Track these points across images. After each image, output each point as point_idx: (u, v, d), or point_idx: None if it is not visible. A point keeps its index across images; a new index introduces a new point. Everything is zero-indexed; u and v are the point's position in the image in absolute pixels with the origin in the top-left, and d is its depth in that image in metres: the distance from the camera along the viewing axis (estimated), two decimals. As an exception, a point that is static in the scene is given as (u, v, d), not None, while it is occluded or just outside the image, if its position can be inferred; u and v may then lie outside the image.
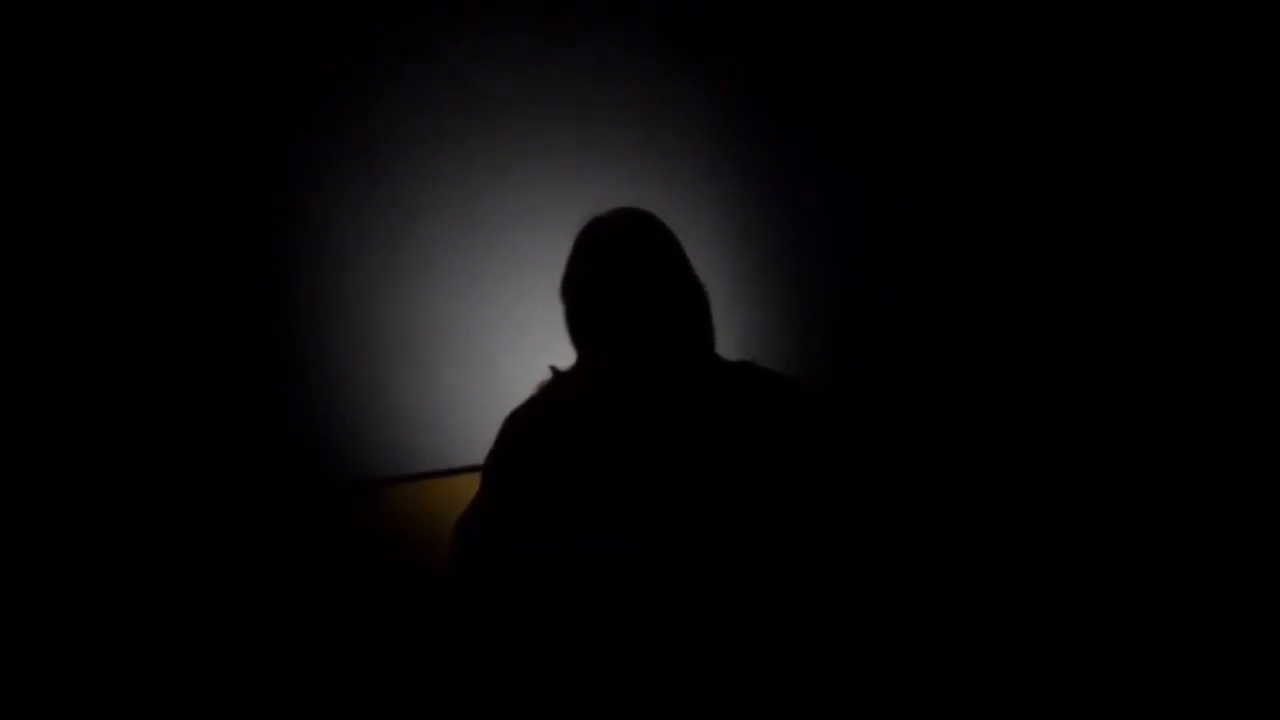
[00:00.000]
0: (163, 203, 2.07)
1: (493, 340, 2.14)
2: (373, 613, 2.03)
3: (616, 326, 1.56)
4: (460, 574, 1.57)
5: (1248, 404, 2.21)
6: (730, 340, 1.67)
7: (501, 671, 1.56)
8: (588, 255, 1.60)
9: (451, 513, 1.61)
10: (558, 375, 1.61)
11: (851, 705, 1.60)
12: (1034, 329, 2.29)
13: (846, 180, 2.28)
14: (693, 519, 1.50)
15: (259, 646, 2.02)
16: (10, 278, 2.01)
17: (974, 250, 2.30)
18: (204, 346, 2.07)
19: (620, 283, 1.56)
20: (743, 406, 1.56)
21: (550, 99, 2.17)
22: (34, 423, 2.01)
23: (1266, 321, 2.22)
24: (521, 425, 1.59)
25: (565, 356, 1.61)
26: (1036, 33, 2.28)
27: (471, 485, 1.62)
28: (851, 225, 2.29)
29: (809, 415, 1.60)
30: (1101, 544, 2.20)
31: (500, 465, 1.58)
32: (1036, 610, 2.16)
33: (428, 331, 2.13)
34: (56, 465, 2.01)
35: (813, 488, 1.57)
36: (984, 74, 2.29)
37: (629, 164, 2.17)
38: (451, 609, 1.56)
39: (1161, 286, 2.26)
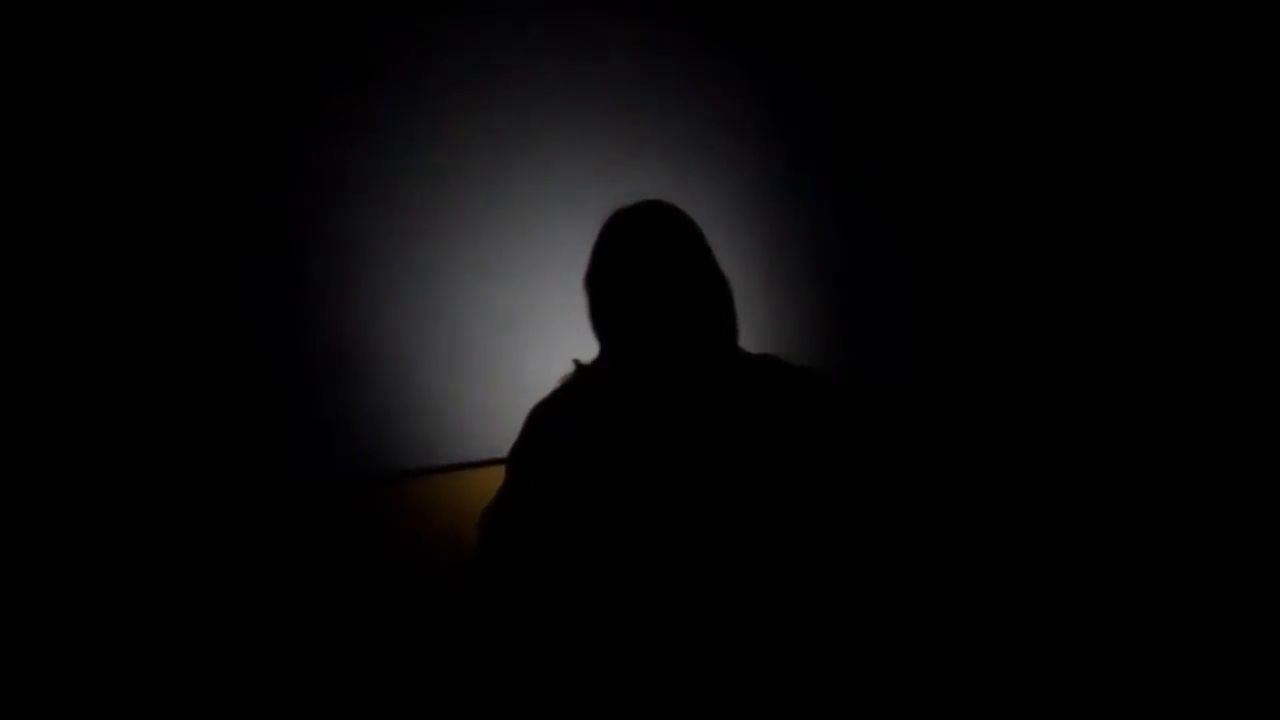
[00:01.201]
0: (183, 197, 2.07)
1: (516, 333, 2.14)
2: (397, 605, 2.02)
3: (640, 319, 1.56)
4: (486, 567, 1.57)
5: (1249, 405, 2.23)
6: (752, 333, 1.67)
7: (523, 665, 1.55)
8: (611, 247, 1.60)
9: (477, 505, 1.61)
10: (581, 368, 1.61)
11: (855, 706, 1.60)
12: (1052, 329, 2.30)
13: (870, 176, 2.30)
14: (719, 512, 1.50)
15: (281, 640, 2.01)
16: (31, 268, 2.01)
17: (992, 251, 2.31)
18: (225, 340, 2.07)
19: (644, 275, 1.56)
20: (767, 399, 1.56)
21: (571, 93, 2.18)
22: (52, 419, 2.00)
23: (1265, 325, 2.25)
24: (546, 419, 1.59)
25: (588, 349, 1.61)
26: (1049, 36, 2.31)
27: (497, 477, 1.61)
28: (875, 220, 2.30)
29: (835, 408, 1.60)
30: (1104, 545, 2.21)
31: (525, 458, 1.58)
32: (1039, 611, 2.17)
33: (451, 324, 2.13)
34: (76, 461, 2.01)
35: (839, 480, 1.57)
36: (1002, 75, 2.31)
37: (653, 157, 2.18)
38: (476, 599, 1.56)
39: (1165, 290, 2.29)
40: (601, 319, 1.60)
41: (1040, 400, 2.28)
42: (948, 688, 2.06)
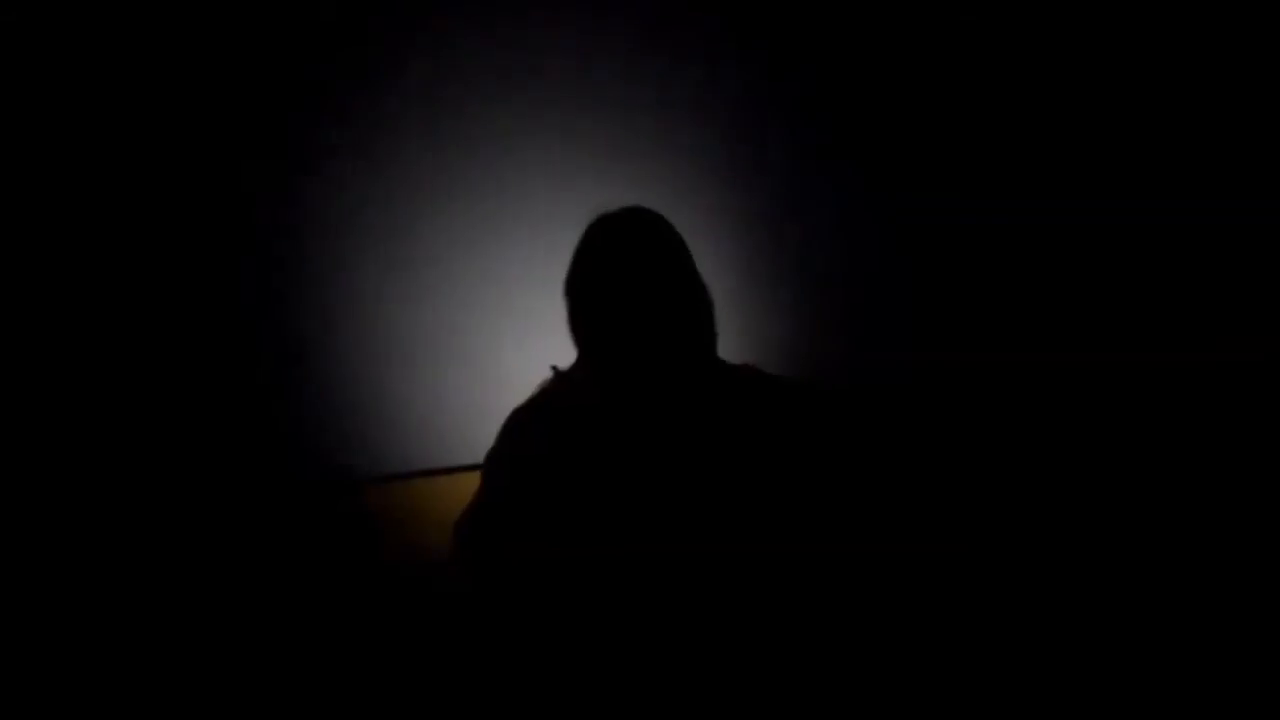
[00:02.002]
0: (167, 204, 2.06)
1: (494, 338, 2.13)
2: (373, 609, 2.02)
3: (618, 327, 1.55)
4: (461, 572, 1.57)
5: (1248, 405, 2.21)
6: (736, 340, 1.65)
7: (500, 670, 1.55)
8: (592, 254, 1.59)
9: (451, 510, 1.61)
10: (559, 375, 1.60)
11: (854, 706, 1.59)
12: (1051, 329, 2.28)
13: (856, 178, 2.27)
14: (695, 520, 1.49)
15: (261, 644, 2.01)
16: (17, 277, 2.01)
17: (991, 250, 2.29)
18: (209, 345, 2.06)
19: (624, 282, 1.55)
20: (744, 407, 1.55)
21: (554, 98, 2.15)
22: (49, 427, 2.01)
23: (1265, 326, 2.22)
24: (523, 425, 1.58)
25: (567, 355, 1.60)
26: (1048, 35, 2.28)
27: (471, 483, 1.61)
28: (861, 224, 2.28)
29: (812, 416, 1.59)
30: (1104, 546, 2.20)
31: (501, 464, 1.58)
32: (1040, 611, 2.16)
33: (429, 329, 2.12)
34: (65, 465, 2.01)
35: (818, 488, 1.56)
36: (992, 78, 2.28)
37: (633, 163, 2.16)
38: (451, 606, 1.56)
39: (1165, 289, 2.26)
40: (580, 326, 1.59)
41: (1040, 400, 2.26)
42: (946, 691, 2.06)
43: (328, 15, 2.09)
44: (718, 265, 1.71)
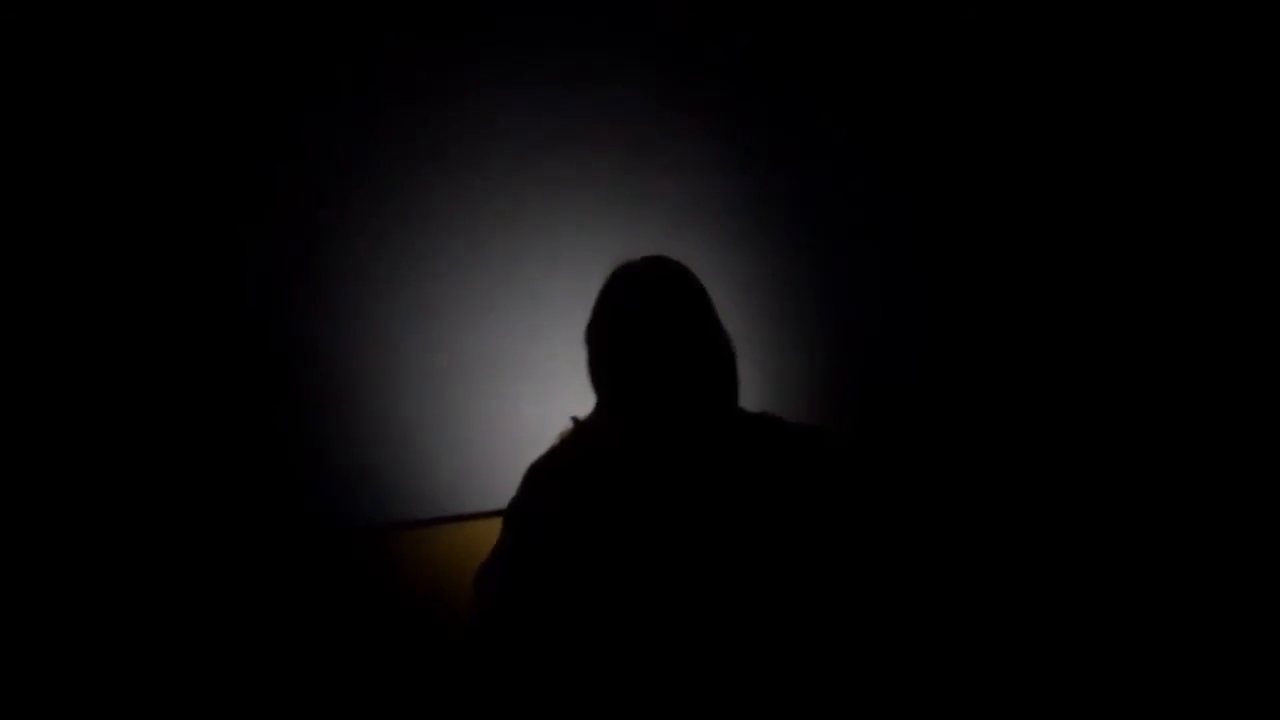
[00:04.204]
0: (177, 252, 2.05)
1: (514, 383, 2.13)
2: (390, 658, 2.03)
3: (638, 376, 1.54)
4: (480, 622, 1.58)
5: (1258, 407, 2.22)
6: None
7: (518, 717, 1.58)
8: (613, 303, 1.58)
9: (470, 558, 1.62)
10: (579, 425, 1.60)
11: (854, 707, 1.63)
12: (1058, 330, 2.28)
13: (864, 194, 2.28)
14: (715, 571, 1.50)
15: (270, 695, 2.01)
16: (18, 314, 1.99)
17: (988, 256, 2.28)
18: (224, 392, 2.05)
19: (644, 332, 1.55)
20: (766, 457, 1.55)
21: (576, 145, 2.14)
22: (51, 441, 2.00)
23: (1271, 327, 2.22)
24: (546, 478, 1.58)
25: (588, 404, 1.60)
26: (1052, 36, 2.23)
27: (491, 531, 1.61)
28: (873, 241, 2.28)
29: (834, 465, 1.60)
30: (1112, 548, 2.23)
31: (522, 515, 1.58)
32: (1041, 612, 2.20)
33: (447, 375, 2.12)
34: (67, 497, 2.01)
35: (839, 537, 1.57)
36: (984, 80, 2.26)
37: (651, 208, 2.15)
38: (470, 657, 1.58)
39: (1174, 289, 2.25)
40: (600, 374, 1.58)
41: (1047, 402, 2.27)
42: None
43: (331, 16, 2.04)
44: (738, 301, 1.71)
